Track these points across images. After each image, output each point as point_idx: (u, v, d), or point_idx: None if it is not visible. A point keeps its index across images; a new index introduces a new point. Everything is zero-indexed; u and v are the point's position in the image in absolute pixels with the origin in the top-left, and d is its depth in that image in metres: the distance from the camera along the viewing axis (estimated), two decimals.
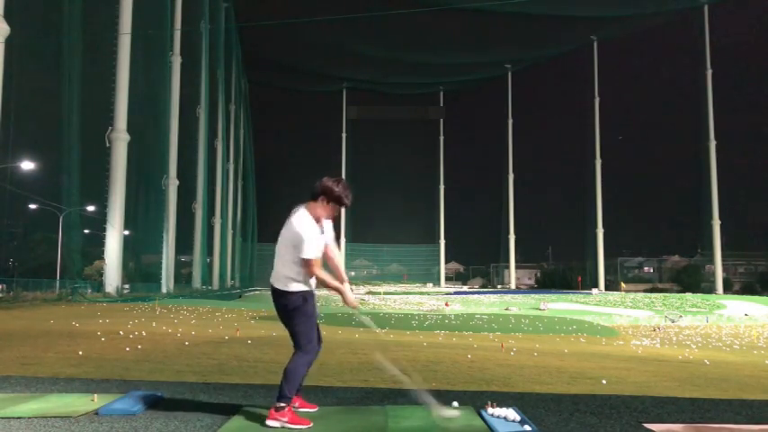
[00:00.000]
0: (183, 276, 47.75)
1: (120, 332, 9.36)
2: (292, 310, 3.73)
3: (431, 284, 73.38)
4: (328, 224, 3.88)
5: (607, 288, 64.46)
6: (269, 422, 3.58)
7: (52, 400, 4.14)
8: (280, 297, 3.75)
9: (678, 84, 66.19)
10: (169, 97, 39.12)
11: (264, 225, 74.06)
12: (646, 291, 62.99)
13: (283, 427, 3.55)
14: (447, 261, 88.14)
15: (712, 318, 29.54)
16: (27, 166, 27.96)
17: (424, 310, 31.26)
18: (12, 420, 3.59)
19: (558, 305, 36.40)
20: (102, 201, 30.42)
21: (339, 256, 3.99)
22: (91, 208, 32.67)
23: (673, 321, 26.20)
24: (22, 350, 6.88)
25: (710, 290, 58.64)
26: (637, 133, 74.45)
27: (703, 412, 4.16)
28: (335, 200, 3.75)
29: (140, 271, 38.43)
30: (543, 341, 13.17)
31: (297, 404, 3.84)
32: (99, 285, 30.00)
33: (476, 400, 4.32)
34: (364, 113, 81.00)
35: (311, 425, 3.59)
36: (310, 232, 3.65)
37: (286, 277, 3.73)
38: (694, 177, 63.09)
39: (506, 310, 32.34)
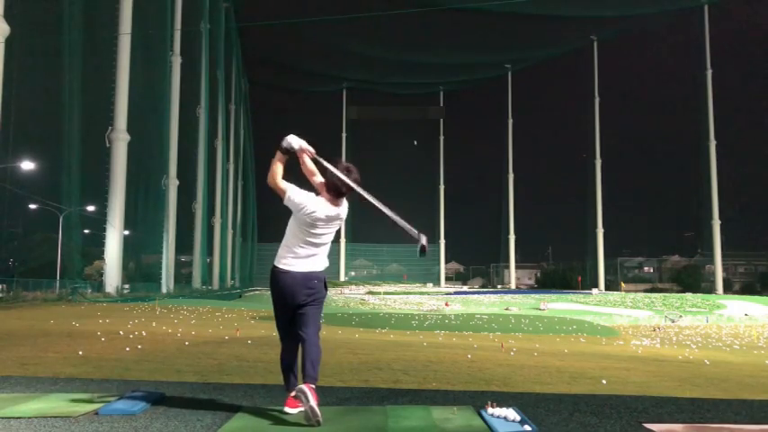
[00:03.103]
0: (183, 276, 47.75)
1: (120, 332, 9.36)
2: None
3: (431, 284, 73.38)
4: (335, 209, 3.92)
5: (607, 288, 64.46)
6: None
7: (52, 400, 4.14)
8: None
9: (678, 84, 66.21)
10: (169, 97, 39.12)
11: (264, 225, 74.07)
12: (646, 291, 63.00)
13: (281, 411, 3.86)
14: (447, 261, 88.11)
15: (712, 318, 29.54)
16: (27, 166, 27.96)
17: (424, 310, 31.27)
18: (12, 420, 3.58)
19: (558, 305, 36.42)
20: (102, 201, 30.43)
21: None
22: (91, 208, 32.66)
23: (673, 321, 26.22)
24: (22, 350, 6.88)
25: (710, 290, 58.65)
26: (637, 133, 74.49)
27: (703, 412, 4.15)
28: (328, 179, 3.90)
29: (140, 271, 38.43)
30: (543, 341, 13.17)
31: (300, 404, 3.84)
32: (99, 285, 30.01)
33: (476, 400, 4.32)
34: (364, 113, 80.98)
35: (290, 410, 3.82)
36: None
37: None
38: (694, 177, 63.16)
39: (506, 310, 32.35)
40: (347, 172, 3.88)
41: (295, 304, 3.85)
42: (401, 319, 21.66)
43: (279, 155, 3.86)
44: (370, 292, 50.97)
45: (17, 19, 22.81)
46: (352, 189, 3.83)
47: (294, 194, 3.82)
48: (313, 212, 3.82)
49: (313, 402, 3.53)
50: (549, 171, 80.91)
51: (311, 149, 3.86)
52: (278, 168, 3.86)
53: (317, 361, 3.78)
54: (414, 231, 3.59)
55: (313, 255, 3.91)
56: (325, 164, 3.86)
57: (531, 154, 77.18)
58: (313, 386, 3.64)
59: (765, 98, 60.80)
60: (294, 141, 3.83)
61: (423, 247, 3.53)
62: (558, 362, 7.23)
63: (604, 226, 68.30)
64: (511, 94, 76.39)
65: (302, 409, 3.76)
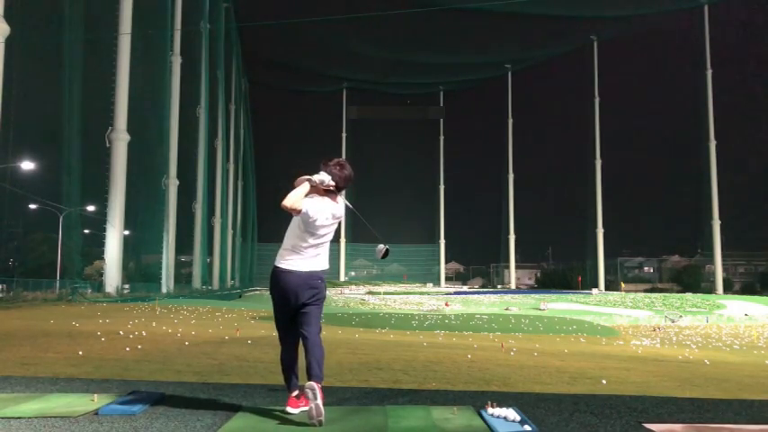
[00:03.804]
0: (183, 276, 47.75)
1: (120, 332, 9.36)
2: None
3: (431, 284, 73.40)
4: (336, 206, 3.95)
5: (607, 288, 64.46)
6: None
7: (52, 400, 4.14)
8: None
9: (678, 84, 66.19)
10: (169, 97, 39.11)
11: (264, 225, 74.03)
12: (646, 291, 63.02)
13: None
14: (447, 261, 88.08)
15: (712, 318, 29.56)
16: (27, 166, 27.96)
17: (424, 310, 31.28)
18: (12, 420, 3.58)
19: (558, 305, 36.42)
20: (102, 201, 30.43)
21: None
22: (91, 208, 32.67)
23: (673, 321, 26.25)
24: (22, 350, 6.88)
25: (710, 290, 58.64)
26: (637, 133, 74.47)
27: (703, 412, 4.15)
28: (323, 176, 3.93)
29: (140, 271, 38.43)
30: (543, 341, 13.17)
31: (302, 404, 3.84)
32: (99, 285, 30.02)
33: (476, 400, 4.32)
34: (364, 113, 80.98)
35: (292, 409, 3.84)
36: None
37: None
38: (694, 177, 63.16)
39: (506, 310, 32.35)
40: (340, 167, 3.94)
41: (299, 304, 3.86)
42: (401, 319, 21.66)
43: (307, 185, 3.87)
44: (370, 292, 50.98)
45: (17, 19, 22.81)
46: (349, 181, 3.97)
47: (309, 209, 3.84)
48: (322, 215, 3.87)
49: (320, 400, 3.57)
50: (549, 171, 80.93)
51: (332, 183, 3.92)
52: (302, 196, 3.86)
53: (321, 360, 3.82)
54: (380, 238, 4.08)
55: (316, 254, 3.94)
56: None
57: (531, 154, 77.18)
58: (320, 385, 3.66)
59: (765, 98, 60.77)
60: (325, 178, 3.88)
61: (386, 252, 4.09)
62: (558, 362, 7.23)
63: (604, 226, 68.31)
64: (511, 94, 76.39)
65: (304, 408, 3.77)
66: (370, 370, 5.86)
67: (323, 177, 3.88)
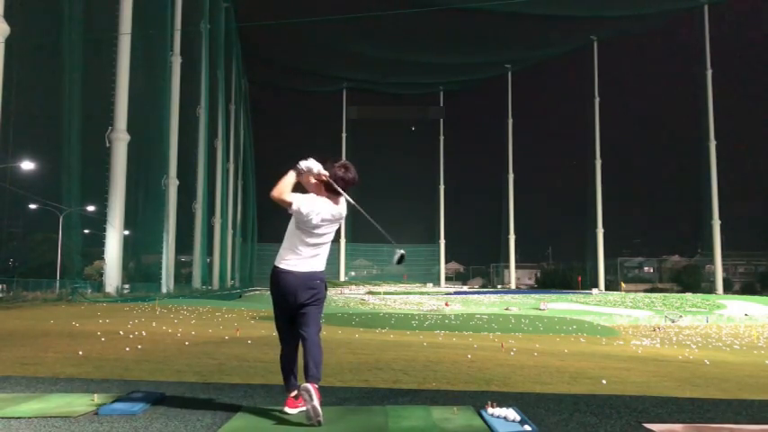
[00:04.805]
0: (182, 276, 47.74)
1: (120, 332, 9.36)
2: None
3: (431, 284, 73.35)
4: (335, 207, 3.94)
5: (607, 288, 64.44)
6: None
7: (52, 400, 4.14)
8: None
9: (678, 84, 66.19)
10: (169, 97, 39.11)
11: (264, 225, 74.06)
12: (646, 291, 63.01)
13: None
14: (447, 261, 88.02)
15: (712, 318, 29.57)
16: (27, 166, 27.95)
17: (424, 310, 31.27)
18: (12, 420, 3.58)
19: (558, 305, 36.42)
20: (102, 201, 30.44)
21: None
22: (91, 208, 32.67)
23: (673, 321, 26.26)
24: (22, 350, 6.88)
25: (710, 290, 58.63)
26: (637, 133, 74.47)
27: (703, 412, 4.15)
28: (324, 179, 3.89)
29: (140, 271, 38.43)
30: (543, 341, 13.17)
31: (301, 404, 3.84)
32: (99, 285, 30.02)
33: (476, 400, 4.32)
34: (364, 113, 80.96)
35: (290, 410, 3.84)
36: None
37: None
38: (694, 177, 63.15)
39: (506, 310, 32.35)
40: (344, 170, 3.93)
41: (297, 304, 3.86)
42: (401, 319, 21.65)
43: (293, 174, 3.88)
44: (370, 292, 50.95)
45: (17, 19, 22.82)
46: (352, 184, 3.93)
47: (301, 205, 3.84)
48: (318, 215, 3.85)
49: (316, 402, 3.55)
50: (548, 171, 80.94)
51: (325, 173, 3.88)
52: (289, 186, 3.87)
53: (319, 361, 3.79)
54: (390, 239, 4.02)
55: (315, 255, 3.93)
56: (334, 185, 3.88)
57: (531, 154, 77.16)
58: (316, 386, 3.65)
59: (765, 98, 60.78)
60: (314, 166, 3.85)
61: (401, 257, 3.97)
62: (558, 362, 7.23)
63: (604, 226, 68.31)
64: (511, 94, 76.33)
65: (302, 409, 3.76)
66: (370, 370, 5.86)
67: (310, 164, 3.84)
